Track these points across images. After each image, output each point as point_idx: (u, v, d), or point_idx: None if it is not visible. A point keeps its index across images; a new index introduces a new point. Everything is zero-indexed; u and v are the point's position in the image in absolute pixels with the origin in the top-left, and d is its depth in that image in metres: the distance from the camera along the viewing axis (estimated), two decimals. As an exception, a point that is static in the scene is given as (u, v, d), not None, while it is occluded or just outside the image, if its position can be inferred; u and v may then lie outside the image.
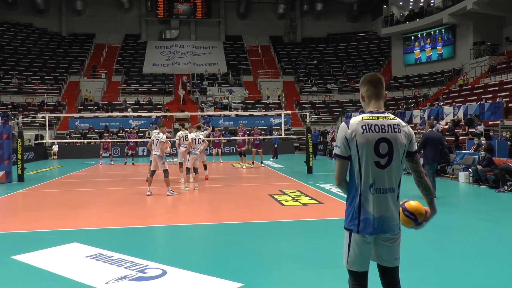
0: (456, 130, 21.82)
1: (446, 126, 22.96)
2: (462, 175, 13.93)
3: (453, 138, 20.52)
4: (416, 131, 24.33)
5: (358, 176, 2.95)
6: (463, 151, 16.62)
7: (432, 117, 25.00)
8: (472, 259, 5.83)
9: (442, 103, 27.90)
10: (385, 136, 2.91)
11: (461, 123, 22.52)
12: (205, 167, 15.22)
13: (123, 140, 24.84)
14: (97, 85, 39.48)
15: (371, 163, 2.91)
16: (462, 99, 27.49)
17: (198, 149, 12.40)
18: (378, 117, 2.95)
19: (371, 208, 2.93)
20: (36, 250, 6.23)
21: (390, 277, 3.13)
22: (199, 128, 15.27)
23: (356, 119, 2.95)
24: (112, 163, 22.62)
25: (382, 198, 2.95)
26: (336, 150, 3.01)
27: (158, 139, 11.43)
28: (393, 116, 3.01)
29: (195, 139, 12.31)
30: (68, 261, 5.78)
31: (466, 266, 5.54)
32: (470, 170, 13.64)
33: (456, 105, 25.56)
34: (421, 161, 11.58)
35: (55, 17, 45.63)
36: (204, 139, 12.89)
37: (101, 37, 45.59)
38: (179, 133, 14.12)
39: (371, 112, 3.00)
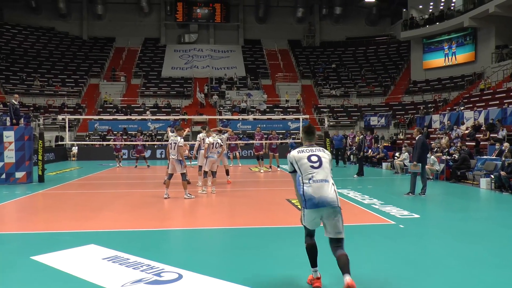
0: (477, 135, 21.45)
1: (467, 131, 22.60)
2: (483, 181, 13.66)
3: (473, 144, 20.17)
4: (435, 136, 24.02)
5: (300, 176, 4.79)
6: (484, 157, 16.30)
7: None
8: (493, 267, 5.68)
9: (462, 108, 27.48)
10: (313, 153, 4.85)
11: (482, 128, 22.14)
12: (227, 172, 15.12)
13: (132, 143, 24.80)
14: (117, 88, 39.90)
15: (308, 166, 4.74)
16: (483, 104, 27.02)
17: (215, 153, 12.35)
18: (308, 149, 4.91)
19: (313, 192, 4.62)
20: (55, 251, 6.29)
21: (333, 245, 4.65)
22: (220, 131, 15.27)
23: (295, 151, 4.93)
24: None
25: (320, 185, 4.65)
26: (288, 168, 5.04)
27: (175, 143, 11.41)
28: (318, 147, 4.98)
29: (213, 143, 12.29)
30: (85, 263, 5.82)
31: (488, 275, 5.40)
32: (492, 176, 13.38)
33: (477, 109, 25.13)
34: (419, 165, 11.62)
35: (76, 21, 46.32)
36: (222, 144, 12.81)
37: (121, 41, 46.10)
38: (200, 135, 14.11)
39: (305, 146, 4.99)
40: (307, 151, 4.85)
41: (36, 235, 7.60)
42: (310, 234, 4.91)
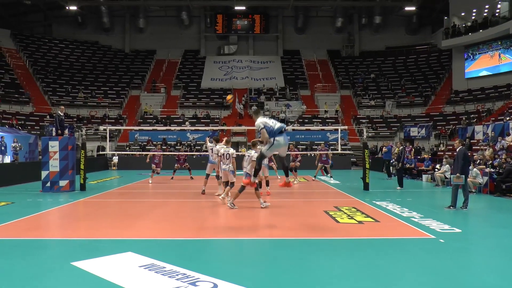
0: (524, 147, 20.67)
1: (513, 143, 21.80)
2: (531, 195, 13.12)
3: (520, 156, 19.42)
4: (478, 147, 23.29)
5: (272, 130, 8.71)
6: (532, 170, 15.63)
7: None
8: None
9: (508, 118, 26.55)
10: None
11: (529, 140, 21.32)
12: (267, 183, 15.09)
13: (174, 153, 25.00)
14: (157, 99, 40.79)
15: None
16: (531, 114, 26.05)
17: (228, 164, 12.26)
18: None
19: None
20: (94, 258, 6.44)
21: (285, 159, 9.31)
22: (261, 142, 15.26)
23: (264, 120, 8.82)
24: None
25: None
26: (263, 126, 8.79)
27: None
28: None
29: (223, 154, 12.29)
30: (122, 270, 5.93)
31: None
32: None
33: (524, 120, 24.24)
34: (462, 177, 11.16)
35: (119, 35, 47.75)
36: (234, 156, 12.78)
37: (161, 53, 47.16)
38: (217, 147, 14.27)
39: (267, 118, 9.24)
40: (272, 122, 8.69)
41: (76, 241, 7.81)
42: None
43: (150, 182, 19.41)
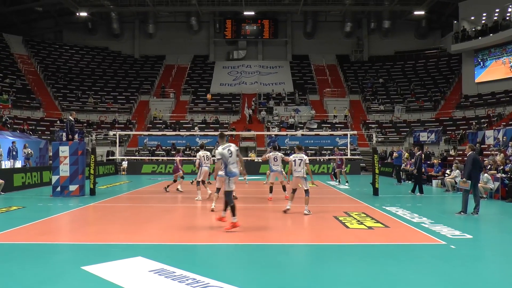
0: (535, 152, 20.44)
1: (524, 148, 21.58)
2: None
3: (532, 161, 19.21)
4: (489, 152, 23.09)
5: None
6: (544, 175, 15.47)
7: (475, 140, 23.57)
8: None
9: (519, 123, 26.32)
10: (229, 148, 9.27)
11: (541, 145, 21.08)
12: (284, 188, 15.07)
13: (192, 158, 25.07)
14: (166, 104, 40.95)
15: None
16: (542, 119, 25.77)
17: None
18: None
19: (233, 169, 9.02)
20: (104, 262, 6.47)
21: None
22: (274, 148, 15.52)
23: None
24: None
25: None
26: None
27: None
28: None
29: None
30: (132, 275, 5.94)
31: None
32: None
33: (535, 125, 23.99)
34: (468, 182, 11.07)
35: (128, 40, 48.11)
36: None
37: (170, 58, 47.39)
38: (200, 153, 14.60)
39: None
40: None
41: (87, 246, 7.84)
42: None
43: (181, 189, 17.76)
